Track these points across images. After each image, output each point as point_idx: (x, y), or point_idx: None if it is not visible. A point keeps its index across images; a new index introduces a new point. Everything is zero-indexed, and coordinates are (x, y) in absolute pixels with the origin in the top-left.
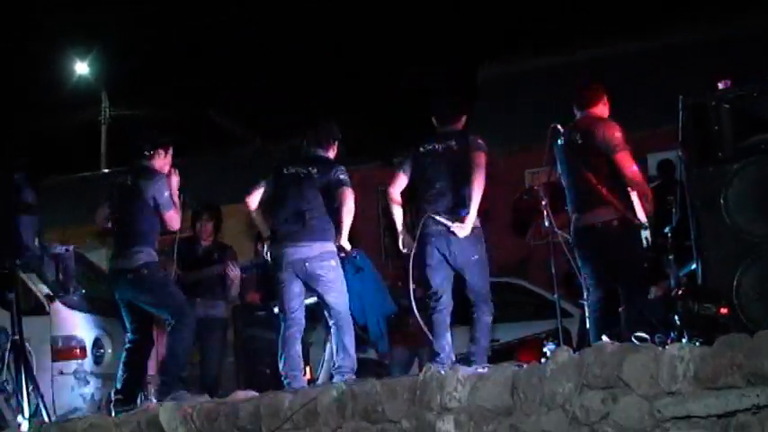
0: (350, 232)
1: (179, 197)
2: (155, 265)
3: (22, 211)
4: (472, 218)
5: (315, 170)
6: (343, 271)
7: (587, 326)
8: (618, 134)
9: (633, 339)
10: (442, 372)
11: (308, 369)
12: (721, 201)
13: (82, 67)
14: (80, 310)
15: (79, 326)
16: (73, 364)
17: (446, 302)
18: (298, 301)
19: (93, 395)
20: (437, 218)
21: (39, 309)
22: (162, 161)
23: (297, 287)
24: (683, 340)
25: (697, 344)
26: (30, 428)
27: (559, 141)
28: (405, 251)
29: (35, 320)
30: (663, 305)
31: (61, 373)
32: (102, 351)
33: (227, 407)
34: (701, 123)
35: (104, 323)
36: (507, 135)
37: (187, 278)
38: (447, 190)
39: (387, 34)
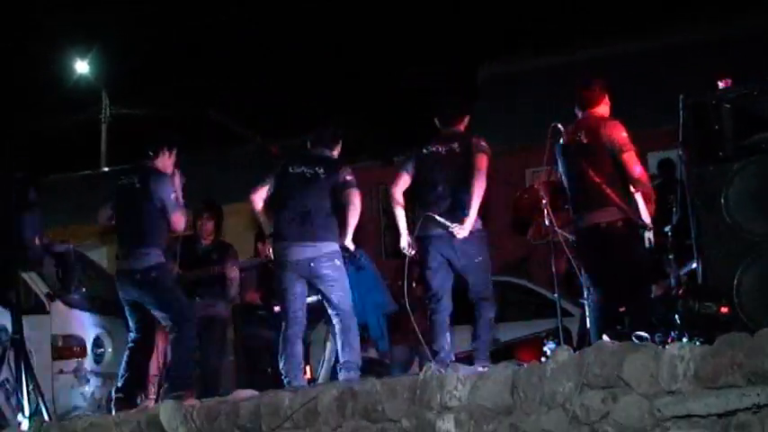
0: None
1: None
2: (163, 267)
3: (22, 209)
4: (471, 220)
5: (321, 170)
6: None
7: (587, 325)
8: (624, 134)
9: (633, 339)
10: (442, 371)
11: (308, 368)
12: (722, 200)
13: (82, 66)
14: (80, 309)
15: (79, 325)
16: (73, 363)
17: (446, 305)
18: (300, 300)
19: (93, 394)
20: (437, 218)
21: (39, 307)
22: (167, 161)
23: (299, 287)
24: (684, 339)
25: (697, 343)
26: (30, 427)
27: (561, 141)
28: (406, 252)
29: (35, 319)
30: (663, 304)
31: (61, 371)
32: (102, 350)
33: (227, 406)
34: (701, 122)
35: (105, 322)
36: (507, 135)
37: (187, 277)
38: (449, 192)
39: (387, 34)
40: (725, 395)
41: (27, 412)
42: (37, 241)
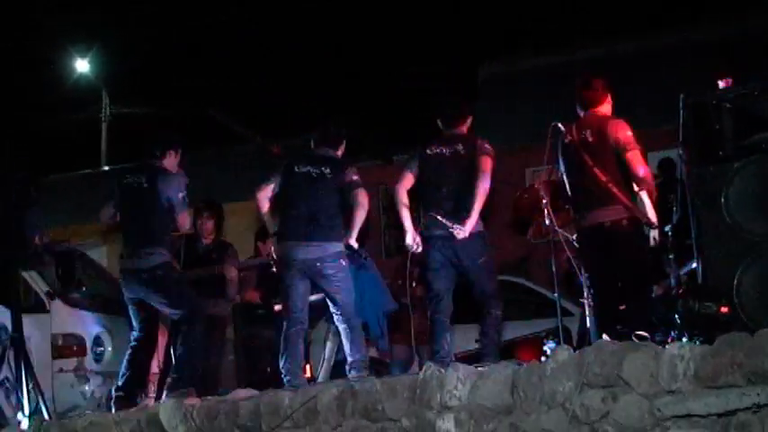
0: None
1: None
2: (169, 266)
3: (22, 209)
4: (473, 221)
5: (327, 170)
6: None
7: (587, 324)
8: (629, 133)
9: (633, 338)
10: (442, 370)
11: (308, 367)
12: (722, 199)
13: (82, 65)
14: (80, 308)
15: (79, 323)
16: (73, 362)
17: (446, 306)
18: (303, 300)
19: (93, 393)
20: (439, 218)
21: (39, 306)
22: (172, 162)
23: (303, 287)
24: (684, 339)
25: (697, 343)
26: (30, 426)
27: (565, 139)
28: (413, 248)
29: (35, 318)
30: (663, 304)
31: (61, 370)
32: (102, 349)
33: (227, 405)
34: (701, 122)
35: (105, 321)
36: (507, 134)
37: (187, 276)
38: (454, 194)
39: (387, 34)
40: (725, 395)
41: (27, 411)
42: (37, 240)
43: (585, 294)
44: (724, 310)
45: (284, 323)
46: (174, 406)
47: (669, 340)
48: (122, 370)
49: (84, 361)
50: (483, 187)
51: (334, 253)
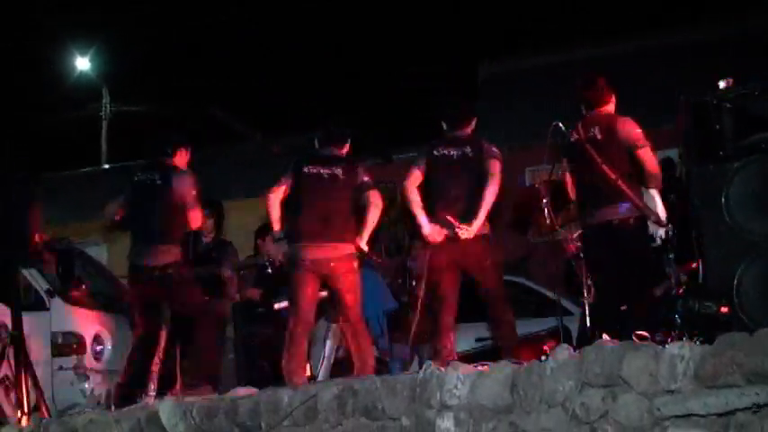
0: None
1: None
2: (181, 264)
3: (23, 207)
4: (479, 223)
5: (339, 171)
6: None
7: (587, 324)
8: (639, 130)
9: (633, 338)
10: (442, 369)
11: (307, 366)
12: (722, 199)
13: (83, 63)
14: (80, 306)
15: (79, 321)
16: (73, 360)
17: (452, 306)
18: (311, 300)
19: (92, 391)
20: (449, 218)
21: (39, 304)
22: (183, 160)
23: (313, 287)
24: (684, 339)
25: (697, 342)
26: (29, 424)
27: (571, 138)
28: (434, 237)
29: (35, 316)
30: (663, 304)
31: (61, 368)
32: (101, 347)
33: (226, 403)
34: (701, 122)
35: (104, 319)
36: (507, 133)
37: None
38: (462, 196)
39: (387, 34)
40: (724, 395)
41: (26, 409)
42: (37, 238)
43: (585, 294)
44: (724, 309)
45: (290, 322)
46: (174, 404)
47: (669, 340)
48: (124, 367)
49: (83, 359)
50: (492, 190)
51: (347, 254)
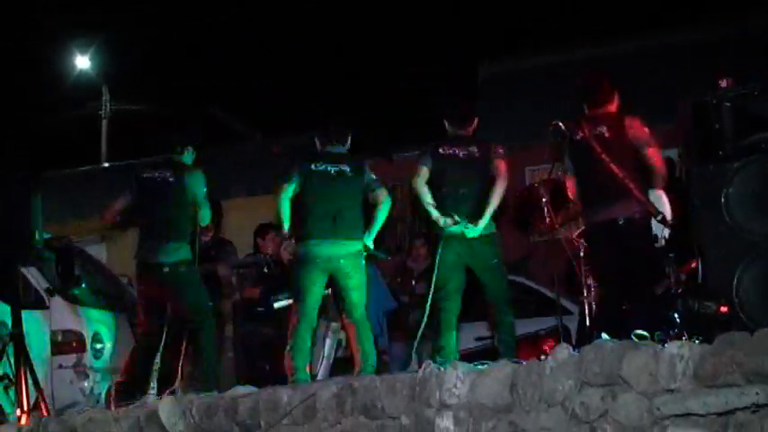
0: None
1: None
2: (191, 263)
3: (22, 206)
4: (486, 221)
5: (347, 169)
6: None
7: (587, 323)
8: (647, 129)
9: (633, 337)
10: (442, 368)
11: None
12: (722, 199)
13: (83, 62)
14: (80, 305)
15: (79, 320)
16: (72, 358)
17: (455, 304)
18: (316, 298)
19: (92, 389)
20: (456, 218)
21: (38, 302)
22: (191, 158)
23: (320, 285)
24: (683, 338)
25: (697, 342)
26: (29, 422)
27: (575, 136)
28: (450, 224)
29: (35, 314)
30: (663, 303)
31: (60, 366)
32: (101, 345)
33: (226, 402)
34: (701, 122)
35: (104, 317)
36: (507, 133)
37: None
38: (470, 196)
39: (387, 34)
40: (724, 394)
41: (26, 407)
42: (37, 237)
43: (585, 293)
44: (723, 309)
45: (294, 318)
46: (174, 403)
47: (669, 339)
48: (127, 365)
49: (83, 357)
50: (501, 190)
51: (356, 252)
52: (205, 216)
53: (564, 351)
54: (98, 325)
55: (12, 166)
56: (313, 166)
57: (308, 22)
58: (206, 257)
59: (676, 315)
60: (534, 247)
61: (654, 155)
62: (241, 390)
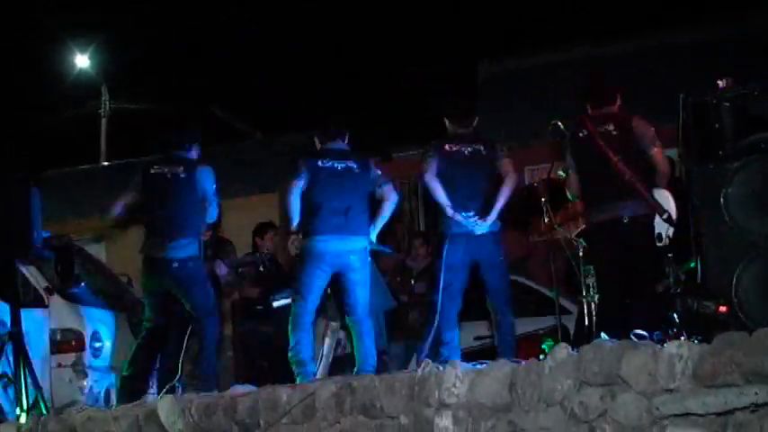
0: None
1: None
2: (200, 260)
3: (22, 205)
4: (493, 218)
5: (354, 165)
6: None
7: (586, 323)
8: (652, 129)
9: (632, 337)
10: (441, 368)
11: None
12: (721, 199)
13: (82, 61)
14: (79, 303)
15: (78, 319)
16: (71, 357)
17: (457, 302)
18: (319, 294)
19: (91, 388)
20: (464, 214)
21: (38, 301)
22: (196, 154)
23: (324, 281)
24: (682, 338)
25: (696, 342)
26: (28, 421)
27: (579, 133)
28: (461, 219)
29: (34, 313)
30: (662, 303)
31: (59, 365)
32: (100, 344)
33: (225, 401)
34: (701, 121)
35: (103, 316)
36: (507, 133)
37: None
38: (478, 194)
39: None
40: (723, 394)
41: (25, 406)
42: (36, 235)
43: (584, 293)
44: (723, 309)
45: (298, 314)
46: (173, 402)
47: (668, 339)
48: (130, 361)
49: (82, 356)
50: (510, 189)
51: (364, 248)
52: (213, 213)
53: (563, 351)
54: (97, 324)
55: (12, 166)
56: (320, 163)
57: (308, 22)
58: (204, 256)
59: (675, 315)
60: (534, 246)
61: (658, 155)
62: (240, 389)
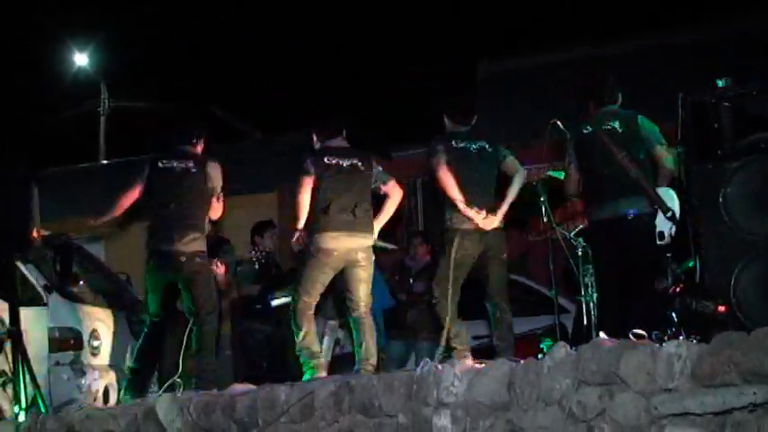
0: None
1: None
2: (206, 256)
3: (22, 204)
4: (501, 214)
5: (359, 162)
6: None
7: (584, 322)
8: (656, 127)
9: (631, 336)
10: (439, 366)
11: None
12: (720, 198)
13: (81, 59)
14: (78, 302)
15: (76, 317)
16: (70, 355)
17: (457, 297)
18: (321, 290)
19: (89, 386)
20: (470, 212)
21: (36, 299)
22: (201, 150)
23: (329, 277)
24: (681, 338)
25: (694, 341)
26: (26, 419)
27: (584, 130)
28: (478, 216)
29: (33, 311)
30: (661, 302)
31: (58, 363)
32: (98, 342)
33: (224, 399)
34: (700, 121)
35: (102, 314)
36: (506, 132)
37: None
38: (484, 190)
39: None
40: (721, 394)
41: (24, 404)
42: (35, 234)
43: (582, 292)
44: (721, 308)
45: (303, 309)
46: (171, 400)
47: (666, 338)
48: (134, 356)
49: (80, 354)
50: (520, 184)
51: (370, 245)
52: (218, 208)
53: (561, 350)
54: (96, 322)
55: (12, 166)
56: (326, 160)
57: (308, 22)
58: None
59: (674, 314)
60: (532, 245)
61: (664, 154)
62: (239, 388)
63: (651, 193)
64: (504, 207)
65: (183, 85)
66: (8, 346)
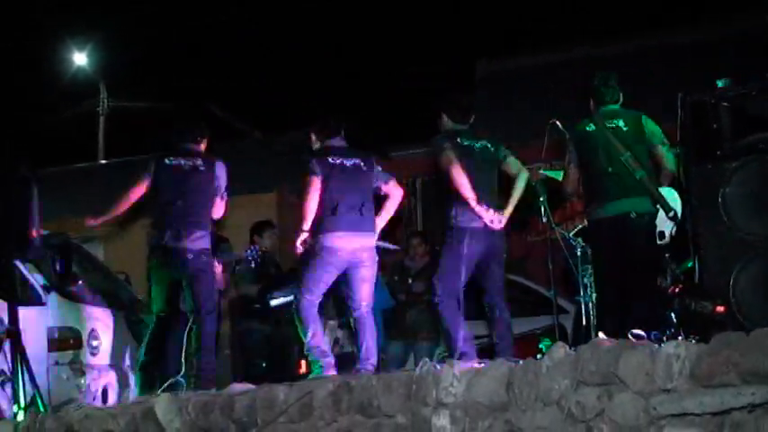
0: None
1: None
2: (210, 254)
3: (22, 204)
4: (508, 214)
5: (361, 162)
6: None
7: (583, 322)
8: (658, 127)
9: (629, 336)
10: (438, 367)
11: (303, 362)
12: (719, 199)
13: (80, 58)
14: (77, 301)
15: (75, 317)
16: (69, 355)
17: (461, 300)
18: (324, 290)
19: (88, 386)
20: (477, 208)
21: (35, 299)
22: (204, 148)
23: (333, 277)
24: (680, 338)
25: (693, 341)
26: (25, 419)
27: (587, 128)
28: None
29: (32, 311)
30: (660, 302)
31: (57, 363)
32: (98, 342)
33: (222, 399)
34: (700, 121)
35: (101, 314)
36: (505, 132)
37: None
38: (491, 190)
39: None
40: (720, 394)
41: (23, 404)
42: (34, 233)
43: (581, 292)
44: (720, 309)
45: (307, 308)
46: (170, 400)
47: (665, 339)
48: (145, 350)
49: (80, 354)
50: (525, 184)
51: (375, 245)
52: (222, 207)
53: (560, 350)
54: (95, 322)
55: (12, 166)
56: (330, 160)
57: (308, 22)
58: None
59: (673, 314)
60: (532, 245)
61: (666, 154)
62: (238, 387)
63: (655, 194)
64: (510, 207)
65: (183, 84)
66: (7, 346)
